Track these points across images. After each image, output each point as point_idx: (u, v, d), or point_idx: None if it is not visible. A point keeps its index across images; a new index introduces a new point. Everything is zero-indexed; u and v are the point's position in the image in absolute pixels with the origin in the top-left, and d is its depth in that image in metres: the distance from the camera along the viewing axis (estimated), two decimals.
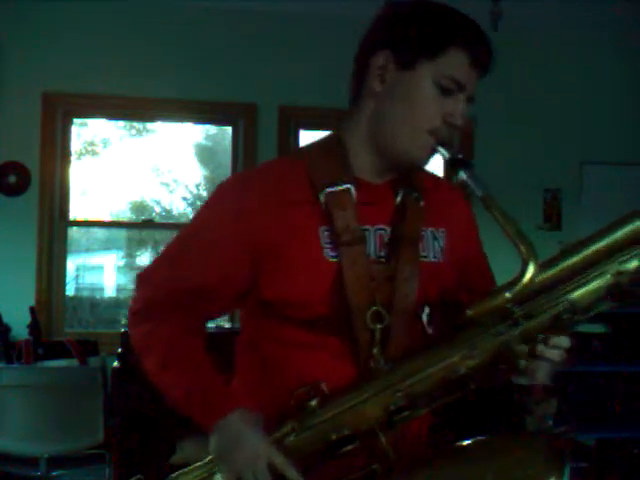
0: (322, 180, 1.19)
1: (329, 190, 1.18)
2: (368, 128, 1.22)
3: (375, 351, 1.15)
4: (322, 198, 1.18)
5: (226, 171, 4.53)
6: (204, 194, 5.01)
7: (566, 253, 1.14)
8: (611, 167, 4.50)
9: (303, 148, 1.31)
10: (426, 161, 1.22)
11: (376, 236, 1.21)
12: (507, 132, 4.47)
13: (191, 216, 4.99)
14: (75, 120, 4.34)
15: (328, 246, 1.17)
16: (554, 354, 1.12)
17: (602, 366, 3.75)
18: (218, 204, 1.26)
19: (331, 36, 4.33)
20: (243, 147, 4.34)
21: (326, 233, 1.17)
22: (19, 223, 4.06)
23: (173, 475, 1.17)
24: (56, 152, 4.15)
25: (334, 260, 1.16)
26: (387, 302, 1.17)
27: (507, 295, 1.08)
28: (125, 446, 3.18)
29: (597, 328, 4.18)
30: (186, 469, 1.17)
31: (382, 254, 1.20)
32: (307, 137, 4.58)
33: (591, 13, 4.18)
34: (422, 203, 1.24)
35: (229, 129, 4.49)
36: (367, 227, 1.20)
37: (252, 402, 1.18)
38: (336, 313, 1.17)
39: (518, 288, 1.08)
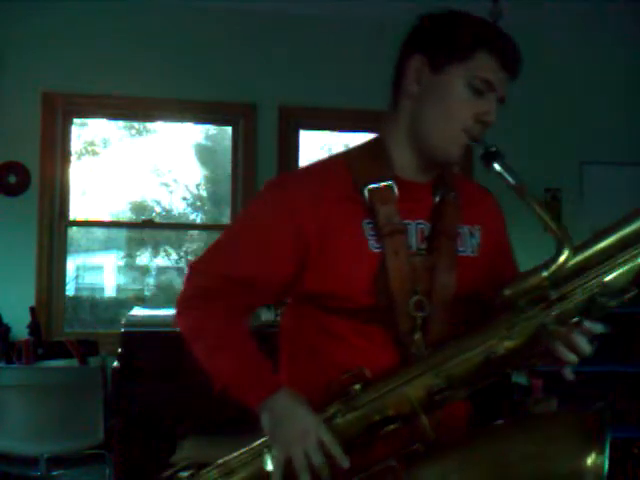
0: (364, 177, 1.26)
1: (372, 186, 1.25)
2: (406, 127, 1.29)
3: (417, 337, 1.21)
4: (365, 194, 1.25)
5: (226, 171, 4.53)
6: (204, 194, 5.01)
7: (599, 236, 1.17)
8: (611, 167, 4.50)
9: (345, 150, 1.38)
10: (460, 157, 1.28)
11: (417, 230, 1.28)
12: (507, 132, 4.46)
13: (191, 216, 5.00)
14: (75, 120, 4.33)
15: (372, 238, 1.23)
16: (585, 347, 1.14)
17: (602, 366, 3.74)
18: (267, 200, 1.32)
19: (331, 37, 4.34)
20: (243, 147, 4.35)
21: (369, 226, 1.24)
22: (19, 223, 4.07)
23: (220, 461, 1.20)
24: (56, 152, 4.15)
25: (377, 251, 1.23)
26: (428, 292, 1.24)
27: (543, 274, 1.13)
28: (125, 446, 3.18)
29: (597, 328, 4.17)
30: (233, 454, 1.20)
31: (423, 247, 1.27)
32: (307, 137, 4.58)
33: (591, 13, 4.19)
34: (459, 202, 1.32)
35: (229, 129, 4.49)
36: (408, 221, 1.26)
37: (296, 390, 1.22)
38: (380, 303, 1.22)
39: (554, 268, 1.12)
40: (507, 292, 1.15)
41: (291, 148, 4.40)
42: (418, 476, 1.13)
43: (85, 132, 4.70)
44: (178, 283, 5.21)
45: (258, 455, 1.17)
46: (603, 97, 4.53)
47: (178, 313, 1.34)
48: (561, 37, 4.46)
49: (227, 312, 1.28)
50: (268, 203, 1.32)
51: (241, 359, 1.24)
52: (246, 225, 1.35)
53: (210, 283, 1.29)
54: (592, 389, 3.79)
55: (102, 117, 4.50)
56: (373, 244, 1.23)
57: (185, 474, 1.21)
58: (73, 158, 4.36)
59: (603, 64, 4.52)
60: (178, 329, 1.34)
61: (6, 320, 3.79)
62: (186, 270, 1.37)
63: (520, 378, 3.76)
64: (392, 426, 1.14)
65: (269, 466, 1.14)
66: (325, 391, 1.19)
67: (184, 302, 1.33)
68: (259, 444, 1.18)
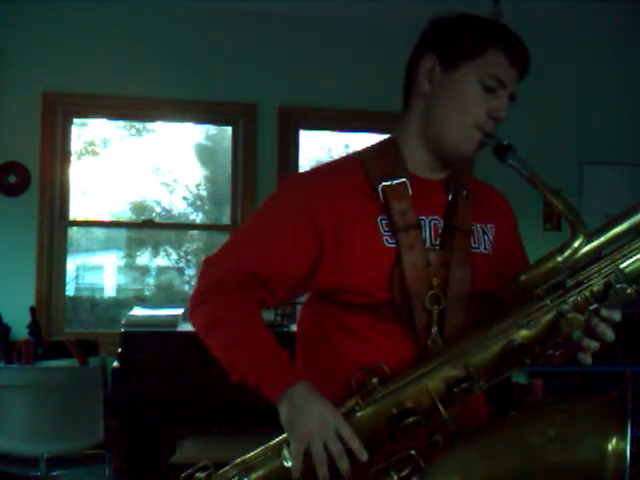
0: (379, 175, 1.28)
1: (386, 183, 1.27)
2: (419, 126, 1.32)
3: (433, 331, 1.22)
4: (380, 191, 1.27)
5: (226, 171, 4.53)
6: (204, 194, 5.01)
7: (613, 222, 1.17)
8: (611, 167, 4.50)
9: (359, 150, 1.39)
10: (473, 153, 1.30)
11: (431, 226, 1.29)
12: (506, 132, 4.46)
13: (191, 216, 5.00)
14: (75, 120, 4.34)
15: (387, 234, 1.25)
16: (606, 332, 1.14)
17: (602, 366, 3.75)
18: (282, 197, 1.34)
19: (331, 37, 4.34)
20: (243, 147, 4.35)
21: (384, 222, 1.26)
22: (19, 223, 4.07)
23: (238, 460, 1.18)
24: (56, 152, 4.15)
25: (392, 246, 1.24)
26: (443, 287, 1.24)
27: (558, 259, 1.13)
28: (125, 446, 3.18)
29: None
30: (252, 452, 1.18)
31: (437, 242, 1.28)
32: (307, 137, 4.58)
33: (591, 13, 4.19)
34: (471, 200, 1.33)
35: (229, 129, 4.49)
36: (422, 217, 1.28)
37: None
38: (395, 298, 1.23)
39: (568, 252, 1.13)
40: (523, 277, 1.15)
41: (291, 148, 4.40)
42: (439, 465, 1.12)
43: (85, 132, 4.70)
44: (178, 283, 5.21)
45: (277, 451, 1.15)
46: (603, 97, 4.52)
47: (192, 309, 1.32)
48: (561, 37, 4.46)
49: (242, 303, 1.27)
50: (283, 200, 1.33)
51: (259, 349, 1.22)
52: (261, 221, 1.35)
53: (224, 276, 1.29)
54: (591, 389, 3.79)
55: (102, 117, 4.50)
56: (388, 239, 1.25)
57: (202, 474, 1.18)
58: (73, 158, 4.36)
59: (603, 64, 4.52)
60: (191, 327, 1.32)
61: (6, 320, 3.79)
62: (200, 267, 1.36)
63: (520, 378, 3.76)
64: (411, 419, 1.12)
65: (289, 462, 1.13)
66: (341, 387, 1.19)
67: (198, 297, 1.31)
68: (278, 441, 1.17)
